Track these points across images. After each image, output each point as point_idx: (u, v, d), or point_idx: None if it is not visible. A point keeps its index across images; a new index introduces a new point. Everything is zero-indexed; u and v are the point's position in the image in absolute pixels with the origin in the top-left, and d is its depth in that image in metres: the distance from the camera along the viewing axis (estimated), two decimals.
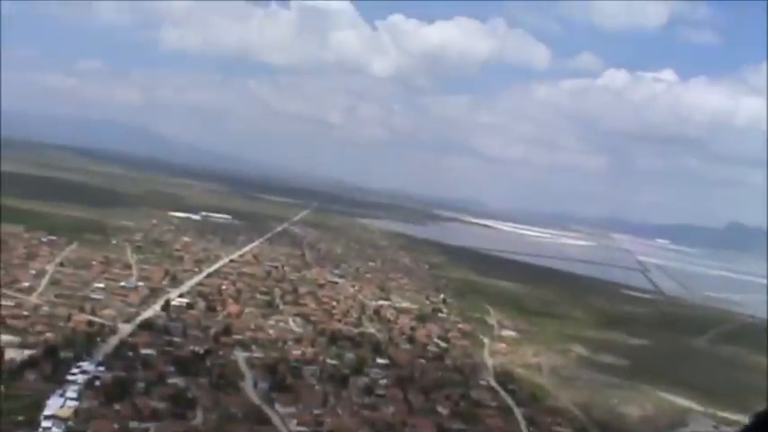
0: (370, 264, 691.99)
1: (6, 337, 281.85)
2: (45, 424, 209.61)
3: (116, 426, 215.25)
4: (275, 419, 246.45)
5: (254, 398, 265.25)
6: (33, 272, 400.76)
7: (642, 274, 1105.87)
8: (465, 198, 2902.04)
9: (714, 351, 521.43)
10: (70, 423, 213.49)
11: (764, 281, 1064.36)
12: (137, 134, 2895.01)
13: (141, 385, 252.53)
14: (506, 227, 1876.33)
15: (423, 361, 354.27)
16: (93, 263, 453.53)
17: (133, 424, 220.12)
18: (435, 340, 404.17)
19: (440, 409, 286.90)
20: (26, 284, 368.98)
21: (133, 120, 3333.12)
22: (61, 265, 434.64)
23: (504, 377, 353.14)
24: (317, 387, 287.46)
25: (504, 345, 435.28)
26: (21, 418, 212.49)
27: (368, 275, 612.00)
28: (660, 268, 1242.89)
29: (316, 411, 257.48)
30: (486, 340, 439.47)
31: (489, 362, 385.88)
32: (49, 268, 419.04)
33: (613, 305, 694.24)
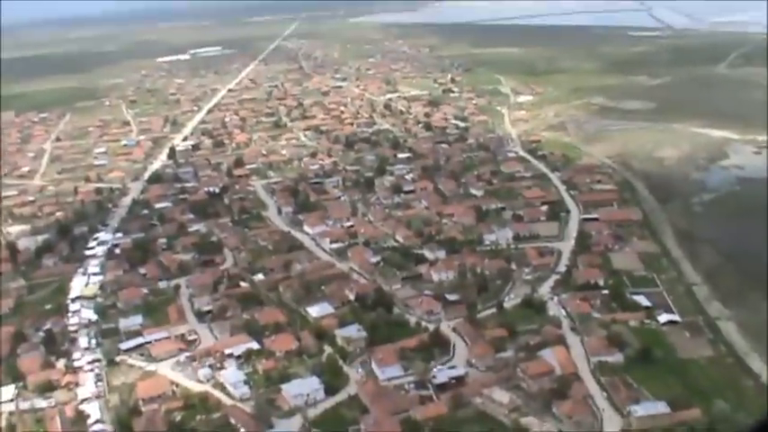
0: (370, 60, 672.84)
1: (16, 228, 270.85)
2: (73, 307, 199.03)
3: (145, 290, 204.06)
4: (307, 242, 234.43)
5: (281, 225, 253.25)
6: (32, 154, 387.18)
7: (647, 13, 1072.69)
8: None
9: (738, 76, 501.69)
10: (99, 299, 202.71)
11: None
12: None
13: (163, 241, 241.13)
14: None
15: (445, 146, 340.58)
16: (90, 129, 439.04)
17: (162, 284, 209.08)
18: (453, 122, 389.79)
19: (473, 191, 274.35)
20: (26, 169, 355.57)
21: None
22: (58, 140, 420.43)
23: (532, 144, 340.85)
24: (342, 198, 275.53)
25: (523, 111, 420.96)
26: (48, 306, 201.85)
27: (370, 72, 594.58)
28: (662, 4, 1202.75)
29: (347, 224, 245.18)
30: (504, 110, 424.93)
31: (513, 132, 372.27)
32: (47, 146, 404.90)
33: (625, 49, 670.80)
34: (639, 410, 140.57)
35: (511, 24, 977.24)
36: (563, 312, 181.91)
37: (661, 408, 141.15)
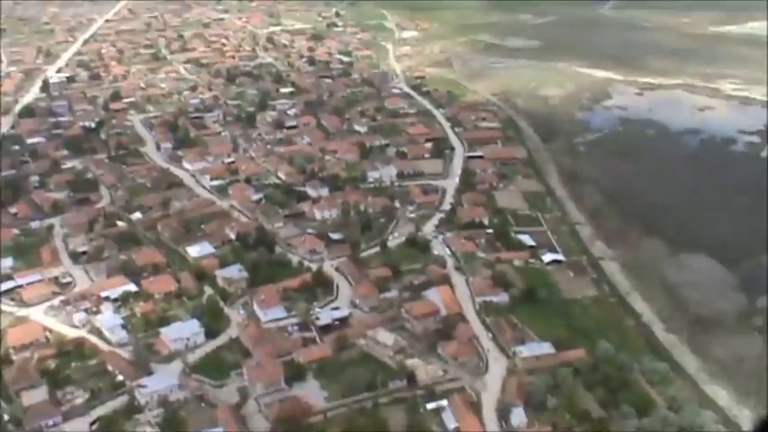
0: None
1: None
2: None
3: (16, 231, 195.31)
4: (187, 179, 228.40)
5: (160, 161, 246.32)
6: None
7: None
8: None
9: (622, 17, 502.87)
10: None
11: None
12: None
13: (35, 179, 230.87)
14: None
15: (329, 81, 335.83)
16: None
17: (35, 223, 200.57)
18: (337, 56, 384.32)
19: (357, 127, 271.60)
20: None
21: None
22: None
23: (416, 80, 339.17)
24: (223, 133, 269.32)
25: (407, 47, 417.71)
26: None
27: (253, 4, 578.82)
28: None
29: (227, 160, 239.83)
30: (388, 46, 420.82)
31: (397, 68, 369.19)
32: None
33: None
34: (525, 351, 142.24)
35: None
36: (447, 251, 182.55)
37: (546, 348, 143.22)
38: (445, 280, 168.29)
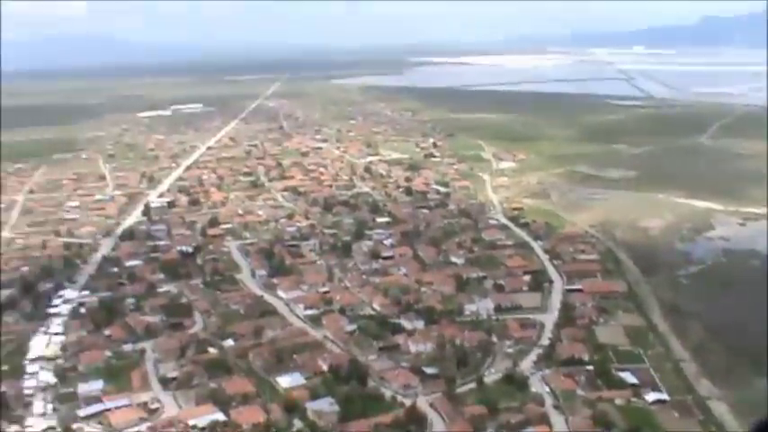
0: (351, 122, 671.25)
1: None
2: (31, 368, 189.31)
3: (108, 353, 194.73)
4: (281, 308, 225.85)
5: (255, 288, 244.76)
6: (3, 205, 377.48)
7: (627, 83, 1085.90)
8: (436, 40, 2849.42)
9: (721, 146, 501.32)
10: (59, 361, 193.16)
11: (748, 68, 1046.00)
12: (90, 44, 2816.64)
13: (131, 301, 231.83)
14: (480, 61, 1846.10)
15: (426, 211, 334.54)
16: (65, 182, 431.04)
17: (127, 346, 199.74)
18: (434, 187, 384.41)
19: (454, 259, 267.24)
20: None
21: (84, 30, 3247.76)
22: (31, 192, 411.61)
23: (514, 211, 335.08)
24: (319, 262, 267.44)
25: (505, 178, 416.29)
26: (4, 367, 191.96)
27: (351, 134, 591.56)
28: (643, 74, 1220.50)
29: (322, 290, 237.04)
30: (485, 176, 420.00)
31: (494, 198, 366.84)
32: (19, 198, 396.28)
33: (605, 117, 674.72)
34: None
35: (493, 90, 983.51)
36: (546, 389, 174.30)
37: None
38: (543, 419, 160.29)
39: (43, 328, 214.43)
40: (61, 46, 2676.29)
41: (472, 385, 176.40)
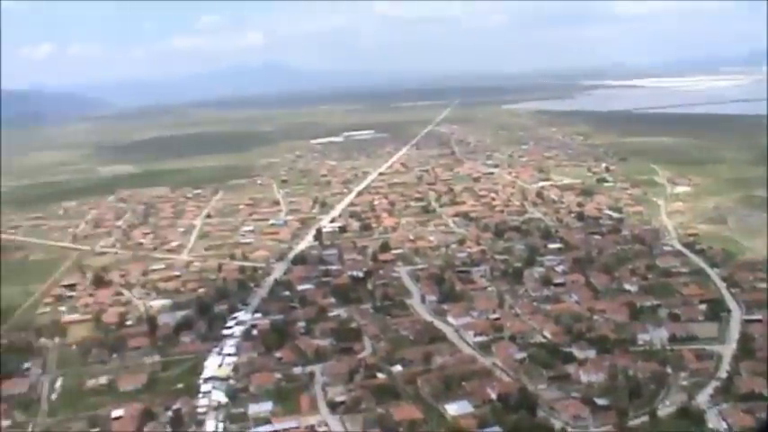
0: (523, 147, 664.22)
1: (158, 302, 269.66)
2: (204, 388, 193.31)
3: (279, 375, 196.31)
4: (450, 334, 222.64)
5: (425, 314, 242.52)
6: (182, 229, 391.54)
7: None
8: (605, 63, 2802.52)
9: None
10: (231, 381, 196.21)
11: None
12: (267, 73, 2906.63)
13: (301, 325, 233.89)
14: (653, 83, 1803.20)
15: (598, 237, 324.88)
16: (241, 207, 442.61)
17: (297, 369, 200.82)
18: (607, 212, 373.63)
19: (627, 286, 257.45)
20: (175, 244, 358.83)
21: (258, 60, 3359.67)
22: (209, 216, 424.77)
23: (689, 237, 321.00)
24: (489, 288, 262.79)
25: (679, 203, 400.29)
26: (180, 385, 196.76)
27: (522, 159, 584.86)
28: None
29: (492, 316, 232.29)
30: (659, 201, 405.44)
31: (669, 224, 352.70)
32: (197, 222, 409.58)
33: None
34: None
35: (667, 113, 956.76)
36: (724, 425, 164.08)
37: None
38: None
39: (217, 349, 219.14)
40: (240, 76, 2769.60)
41: (645, 418, 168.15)
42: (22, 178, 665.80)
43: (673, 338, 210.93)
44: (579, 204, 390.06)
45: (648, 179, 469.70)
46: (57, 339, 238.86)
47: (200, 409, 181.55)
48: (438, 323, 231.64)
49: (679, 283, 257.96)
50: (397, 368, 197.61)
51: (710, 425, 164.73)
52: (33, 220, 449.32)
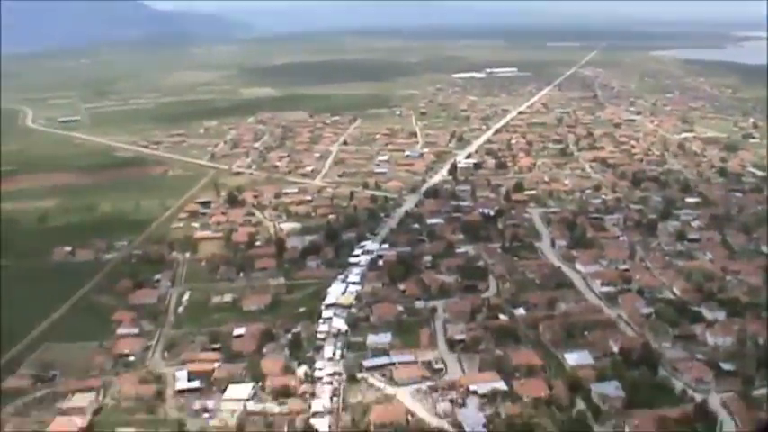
0: (668, 96, 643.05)
1: (288, 225, 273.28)
2: (326, 314, 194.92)
3: (400, 308, 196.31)
4: (577, 281, 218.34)
5: (553, 258, 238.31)
6: (317, 155, 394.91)
7: None
8: (758, 16, 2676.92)
9: None
10: (352, 310, 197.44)
11: None
12: (410, 5, 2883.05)
13: (428, 259, 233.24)
14: None
15: (739, 195, 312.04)
16: (377, 137, 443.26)
17: (419, 303, 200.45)
18: (750, 169, 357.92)
19: (765, 248, 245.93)
20: (309, 168, 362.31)
21: None
22: (345, 143, 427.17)
23: None
24: (621, 238, 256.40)
25: None
26: (302, 309, 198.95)
27: (666, 108, 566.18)
28: None
29: (622, 267, 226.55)
30: None
31: None
32: (333, 149, 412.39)
33: None
34: None
35: None
36: None
37: None
38: None
39: (341, 276, 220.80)
40: (388, 7, 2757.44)
41: None
42: (166, 96, 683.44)
43: None
44: (722, 159, 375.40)
45: None
46: (187, 254, 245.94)
47: (319, 335, 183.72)
48: (566, 269, 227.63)
49: None
50: (520, 311, 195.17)
51: None
52: (175, 136, 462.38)
